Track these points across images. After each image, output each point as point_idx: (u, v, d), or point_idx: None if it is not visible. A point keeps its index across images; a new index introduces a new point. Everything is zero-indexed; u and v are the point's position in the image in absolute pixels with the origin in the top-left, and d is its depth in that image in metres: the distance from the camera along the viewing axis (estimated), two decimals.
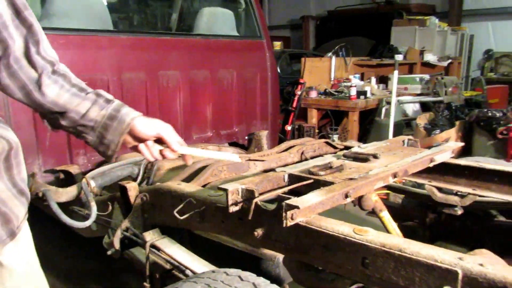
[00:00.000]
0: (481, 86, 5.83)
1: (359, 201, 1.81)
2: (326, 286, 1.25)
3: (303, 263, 1.30)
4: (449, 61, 7.01)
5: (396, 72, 4.42)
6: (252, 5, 3.28)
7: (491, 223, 2.05)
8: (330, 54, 5.96)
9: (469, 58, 9.90)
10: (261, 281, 1.09)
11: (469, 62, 9.92)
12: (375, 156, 1.71)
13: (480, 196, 1.93)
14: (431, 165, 1.93)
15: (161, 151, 1.23)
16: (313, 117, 5.45)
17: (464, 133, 4.28)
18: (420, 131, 4.52)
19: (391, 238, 1.09)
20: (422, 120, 4.65)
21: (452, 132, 4.28)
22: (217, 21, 3.20)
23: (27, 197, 1.13)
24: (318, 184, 1.43)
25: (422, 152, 1.87)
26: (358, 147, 1.97)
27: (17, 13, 1.03)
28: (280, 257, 1.47)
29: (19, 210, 1.09)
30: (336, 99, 5.27)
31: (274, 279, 1.48)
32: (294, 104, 5.24)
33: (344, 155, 1.76)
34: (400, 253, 1.03)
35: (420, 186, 2.22)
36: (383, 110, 4.91)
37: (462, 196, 1.96)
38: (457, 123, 4.37)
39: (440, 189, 2.05)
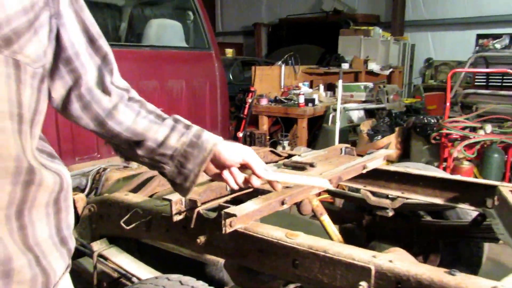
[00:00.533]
0: (420, 93, 6.23)
1: (298, 207, 1.95)
2: (263, 287, 1.35)
3: (242, 266, 1.40)
4: (391, 70, 7.42)
5: (340, 81, 4.66)
6: (200, 18, 3.37)
7: (419, 222, 2.25)
8: (279, 62, 6.15)
9: (411, 66, 10.51)
10: (200, 284, 1.18)
11: (411, 70, 10.52)
12: (311, 165, 1.85)
13: (407, 198, 2.13)
14: (364, 171, 2.11)
15: (246, 178, 1.12)
16: (264, 124, 5.60)
17: (403, 139, 4.59)
18: (363, 136, 4.79)
19: (318, 241, 1.22)
20: (365, 127, 4.93)
21: (392, 138, 4.57)
22: (166, 32, 3.26)
23: (69, 248, 0.97)
24: (257, 193, 1.54)
25: (355, 160, 2.03)
26: (298, 156, 2.11)
27: (92, 41, 0.97)
28: (222, 261, 1.57)
29: (58, 263, 0.92)
30: (285, 107, 5.46)
31: (217, 282, 1.57)
32: (245, 112, 5.37)
33: (284, 164, 1.88)
34: (324, 253, 1.16)
35: (358, 190, 2.39)
36: (330, 116, 5.14)
37: (393, 199, 2.14)
38: (397, 129, 4.68)
39: (373, 193, 2.22)
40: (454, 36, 10.55)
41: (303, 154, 2.17)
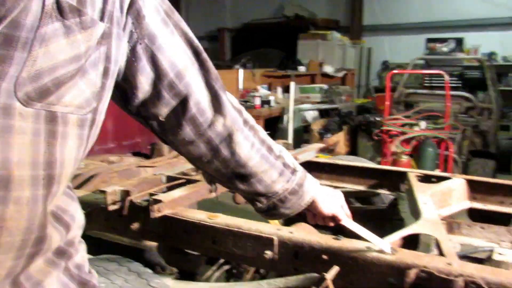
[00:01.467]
0: (371, 94, 6.55)
1: (233, 197, 2.12)
2: (191, 265, 1.51)
3: (172, 247, 1.55)
4: (344, 72, 7.74)
5: (292, 84, 4.89)
6: None
7: (350, 208, 2.46)
8: (237, 66, 6.34)
9: (369, 68, 10.93)
10: (136, 264, 1.32)
11: (368, 73, 10.94)
12: None
13: (337, 187, 2.33)
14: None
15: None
16: None
17: (351, 136, 4.86)
18: (315, 135, 5.04)
19: (234, 220, 1.38)
20: (317, 126, 5.18)
21: (341, 136, 4.84)
22: None
23: (92, 285, 0.79)
24: (189, 183, 1.70)
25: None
26: None
27: (197, 55, 0.85)
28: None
29: None
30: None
31: (156, 265, 1.71)
32: None
33: None
34: (237, 230, 1.33)
35: None
36: (285, 117, 5.36)
37: None
38: (345, 127, 4.95)
39: None
40: (408, 39, 11.05)
41: None
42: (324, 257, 1.18)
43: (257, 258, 1.28)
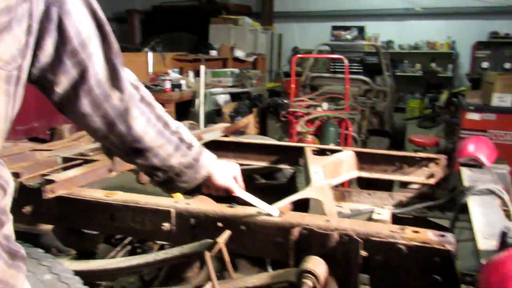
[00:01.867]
0: (280, 78, 6.78)
1: (137, 177, 2.10)
2: (89, 244, 1.49)
3: (69, 229, 1.51)
4: (255, 57, 7.91)
5: (203, 67, 4.90)
6: None
7: (254, 184, 2.57)
8: (146, 49, 6.15)
9: (280, 54, 11.27)
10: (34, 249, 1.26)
11: (279, 58, 11.28)
12: None
13: (242, 164, 2.42)
14: (201, 142, 2.33)
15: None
16: None
17: (260, 118, 5.03)
18: (226, 118, 5.12)
19: (131, 196, 1.39)
20: (228, 109, 5.27)
21: (250, 118, 4.98)
22: None
23: (21, 255, 0.76)
24: (87, 163, 1.66)
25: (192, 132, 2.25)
26: None
27: (100, 27, 0.84)
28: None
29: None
30: (153, 92, 5.42)
31: (53, 248, 1.65)
32: None
33: None
34: (135, 205, 1.34)
35: None
36: (197, 101, 5.35)
37: None
38: (254, 110, 5.10)
39: None
40: (315, 27, 11.58)
41: None
42: (219, 224, 1.24)
43: (156, 231, 1.31)
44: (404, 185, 2.12)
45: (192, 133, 2.26)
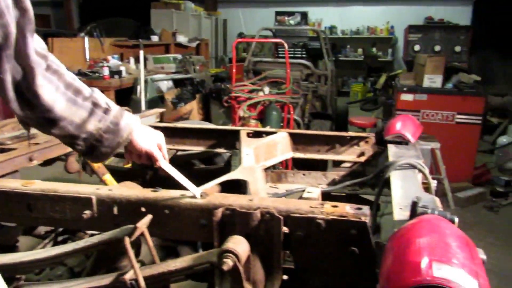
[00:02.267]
0: (225, 64, 6.72)
1: (65, 166, 2.00)
2: (6, 237, 1.40)
3: None
4: (198, 42, 7.78)
5: (141, 52, 4.74)
6: None
7: (193, 170, 2.54)
8: (82, 34, 5.86)
9: (225, 40, 11.16)
10: None
11: (225, 44, 11.17)
12: None
13: (178, 150, 2.38)
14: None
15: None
16: None
17: (204, 104, 4.97)
18: (168, 105, 5.01)
19: (50, 185, 1.32)
20: (170, 95, 5.15)
21: (194, 104, 4.91)
22: None
23: None
24: (3, 152, 1.56)
25: None
26: None
27: None
28: None
29: None
30: (90, 80, 5.27)
31: None
32: None
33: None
34: (54, 193, 1.27)
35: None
36: (138, 88, 5.19)
37: None
38: (197, 96, 5.03)
39: None
40: (260, 12, 11.57)
41: None
42: (143, 209, 1.21)
43: (77, 219, 1.25)
44: (337, 164, 2.18)
45: None
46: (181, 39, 7.27)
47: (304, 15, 10.21)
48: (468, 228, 3.85)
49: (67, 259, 1.24)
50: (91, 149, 1.07)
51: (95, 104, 1.04)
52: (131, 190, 1.27)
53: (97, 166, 2.17)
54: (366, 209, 1.08)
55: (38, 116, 0.97)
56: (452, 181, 4.49)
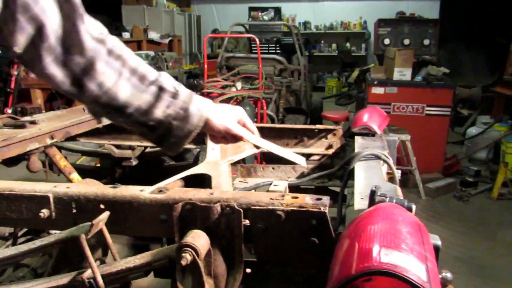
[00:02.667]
0: (199, 60, 6.67)
1: (27, 165, 1.95)
2: None
3: None
4: (170, 38, 7.70)
5: None
6: None
7: (163, 166, 2.51)
8: None
9: (199, 36, 11.07)
10: None
11: (199, 40, 11.09)
12: (32, 122, 1.86)
13: (147, 146, 2.34)
14: (100, 126, 2.22)
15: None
16: (38, 98, 5.19)
17: None
18: None
19: (6, 183, 1.27)
20: None
21: None
22: None
23: None
24: None
25: (87, 116, 2.13)
26: (30, 116, 2.09)
27: None
28: None
29: None
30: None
31: None
32: (12, 85, 4.88)
33: (4, 124, 1.85)
34: (10, 192, 1.23)
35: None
36: None
37: (133, 148, 2.33)
38: None
39: (118, 146, 2.37)
40: (234, 8, 11.51)
41: (36, 116, 2.16)
42: (101, 206, 1.18)
43: (34, 218, 1.21)
44: (306, 157, 2.19)
45: (89, 116, 2.15)
46: (153, 35, 7.17)
47: (277, 11, 10.22)
48: (438, 218, 3.95)
49: (23, 259, 1.20)
50: (162, 138, 1.02)
51: (162, 89, 0.97)
52: (89, 187, 1.24)
53: (63, 165, 2.12)
54: (325, 199, 1.08)
55: (103, 105, 0.93)
56: (423, 172, 4.59)
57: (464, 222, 3.89)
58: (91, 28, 0.88)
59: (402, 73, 4.36)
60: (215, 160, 1.50)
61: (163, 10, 8.44)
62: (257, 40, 4.45)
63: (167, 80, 1.00)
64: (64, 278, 1.13)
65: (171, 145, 1.04)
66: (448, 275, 1.27)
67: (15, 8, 0.76)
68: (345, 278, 0.68)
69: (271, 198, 1.10)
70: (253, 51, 6.23)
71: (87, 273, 1.09)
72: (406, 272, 0.64)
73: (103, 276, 1.08)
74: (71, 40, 0.84)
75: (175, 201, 1.12)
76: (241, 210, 1.07)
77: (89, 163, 3.90)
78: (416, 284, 0.64)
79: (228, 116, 1.10)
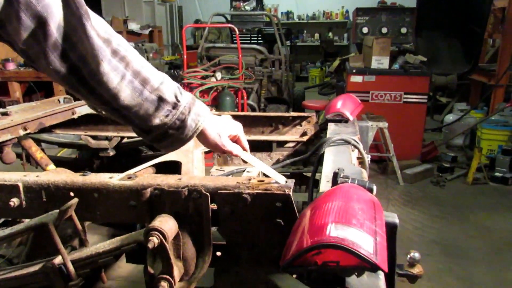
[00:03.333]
0: (180, 51, 6.63)
1: (1, 157, 1.93)
2: None
3: None
4: (150, 29, 7.62)
5: None
6: None
7: (140, 157, 2.52)
8: None
9: (181, 26, 10.97)
10: None
11: (181, 30, 10.99)
12: (4, 114, 1.85)
13: (123, 137, 2.34)
14: (75, 116, 2.21)
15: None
16: (16, 91, 5.11)
17: None
18: None
19: None
20: None
21: None
22: None
23: None
24: None
25: (61, 107, 2.12)
26: (2, 109, 2.07)
27: None
28: None
29: None
30: (37, 70, 5.07)
31: None
32: None
33: None
34: None
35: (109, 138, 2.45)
36: None
37: (110, 139, 2.33)
38: None
39: (95, 137, 2.37)
40: None
41: (10, 107, 2.14)
42: (71, 194, 1.19)
43: (4, 208, 1.21)
44: (281, 144, 2.22)
45: (63, 107, 2.14)
46: (133, 26, 7.08)
47: (259, 1, 10.16)
48: (414, 203, 4.03)
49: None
50: (156, 140, 1.05)
51: (162, 99, 0.97)
52: (59, 175, 1.24)
53: (40, 156, 2.11)
54: (290, 182, 1.11)
55: (103, 103, 0.93)
56: (402, 159, 4.67)
57: (440, 207, 3.99)
58: (97, 26, 0.87)
59: (380, 62, 4.41)
60: (187, 148, 1.51)
61: (143, 0, 8.33)
62: (236, 30, 4.44)
63: (168, 88, 1.00)
64: (36, 266, 1.14)
65: (164, 147, 1.07)
66: (416, 255, 1.31)
67: (18, 5, 0.76)
68: (297, 252, 0.71)
69: (237, 182, 1.12)
70: (235, 41, 6.21)
71: (58, 260, 1.10)
72: (353, 245, 0.67)
73: (73, 262, 1.10)
74: (76, 37, 0.83)
75: (144, 187, 1.14)
76: (208, 194, 1.09)
77: (70, 155, 3.88)
78: (362, 256, 0.67)
79: (223, 131, 1.13)
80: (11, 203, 1.20)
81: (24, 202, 1.21)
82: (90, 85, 0.89)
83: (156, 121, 0.98)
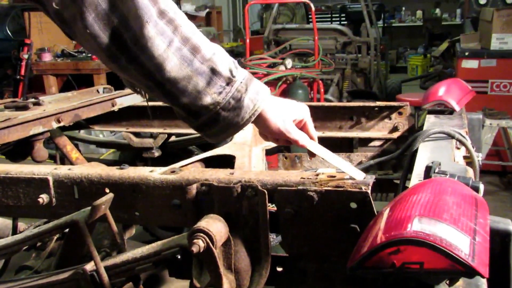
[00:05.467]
0: (242, 36, 6.80)
1: (31, 154, 2.12)
2: None
3: None
4: (207, 10, 7.89)
5: None
6: None
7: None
8: None
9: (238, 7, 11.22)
10: None
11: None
12: (36, 103, 2.02)
13: (169, 134, 2.46)
14: (115, 108, 2.37)
15: None
16: (52, 86, 5.55)
17: None
18: None
19: (2, 166, 1.41)
20: None
21: None
22: None
23: None
24: None
25: (99, 97, 2.27)
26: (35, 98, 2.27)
27: None
28: None
29: None
30: (76, 61, 5.48)
31: None
32: (22, 72, 5.25)
33: (5, 106, 2.03)
34: (5, 175, 1.37)
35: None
36: None
37: (155, 137, 2.45)
38: None
39: (138, 134, 2.51)
40: None
41: (43, 97, 2.34)
42: (107, 190, 1.28)
43: (32, 205, 1.34)
44: (364, 142, 2.20)
45: (102, 97, 2.29)
46: (187, 7, 7.38)
47: None
48: None
49: (20, 249, 1.32)
50: (204, 125, 1.05)
51: (215, 71, 0.99)
52: (93, 168, 1.34)
53: (75, 157, 2.28)
54: (369, 178, 1.10)
55: (145, 75, 0.96)
56: None
57: None
58: None
59: (503, 41, 4.19)
60: (243, 141, 1.56)
61: None
62: (312, 6, 4.48)
63: (222, 60, 1.01)
64: (65, 273, 1.24)
65: (214, 134, 1.07)
66: None
67: None
68: (369, 250, 0.71)
69: (302, 178, 1.14)
70: (310, 21, 6.26)
71: (90, 266, 1.19)
72: (441, 242, 0.67)
73: (107, 269, 1.18)
74: None
75: (189, 182, 1.20)
76: (265, 192, 1.12)
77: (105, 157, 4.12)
78: (455, 256, 0.66)
79: (287, 114, 1.12)
80: (40, 200, 1.32)
81: (54, 199, 1.33)
82: (131, 52, 0.92)
83: (207, 99, 0.99)
